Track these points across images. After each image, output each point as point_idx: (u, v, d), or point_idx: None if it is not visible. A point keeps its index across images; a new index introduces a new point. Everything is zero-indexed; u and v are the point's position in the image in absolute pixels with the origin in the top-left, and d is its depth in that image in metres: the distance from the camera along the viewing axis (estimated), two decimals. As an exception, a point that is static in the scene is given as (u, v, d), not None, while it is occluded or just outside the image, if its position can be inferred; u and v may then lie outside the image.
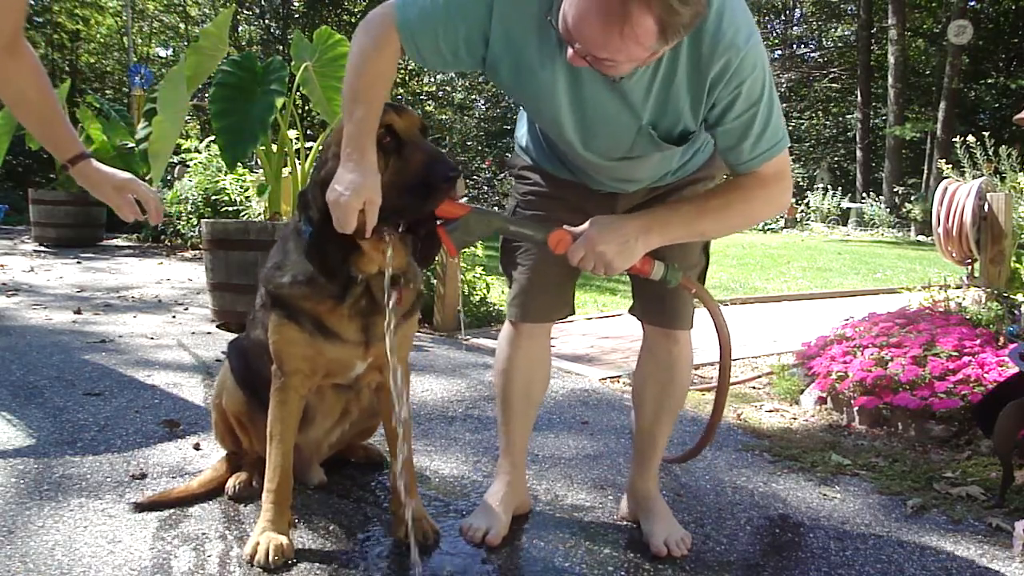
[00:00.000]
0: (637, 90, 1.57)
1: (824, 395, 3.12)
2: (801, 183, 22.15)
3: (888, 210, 17.82)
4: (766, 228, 16.75)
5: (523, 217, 1.90)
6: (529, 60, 1.56)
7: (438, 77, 23.91)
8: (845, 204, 18.36)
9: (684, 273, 1.74)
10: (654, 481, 2.01)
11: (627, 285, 2.24)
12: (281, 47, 16.49)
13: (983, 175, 4.51)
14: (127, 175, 1.93)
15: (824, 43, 28.26)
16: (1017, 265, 4.07)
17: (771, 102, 1.57)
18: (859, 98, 21.67)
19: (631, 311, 2.01)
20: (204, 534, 1.85)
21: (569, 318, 2.18)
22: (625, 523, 2.01)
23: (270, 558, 1.68)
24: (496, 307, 5.00)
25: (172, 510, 1.96)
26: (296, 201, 1.78)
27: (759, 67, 1.53)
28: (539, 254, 1.92)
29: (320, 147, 4.64)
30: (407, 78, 21.40)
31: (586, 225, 1.63)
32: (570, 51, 1.41)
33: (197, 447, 2.43)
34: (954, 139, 5.19)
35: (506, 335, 2.01)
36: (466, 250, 4.76)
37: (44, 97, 1.80)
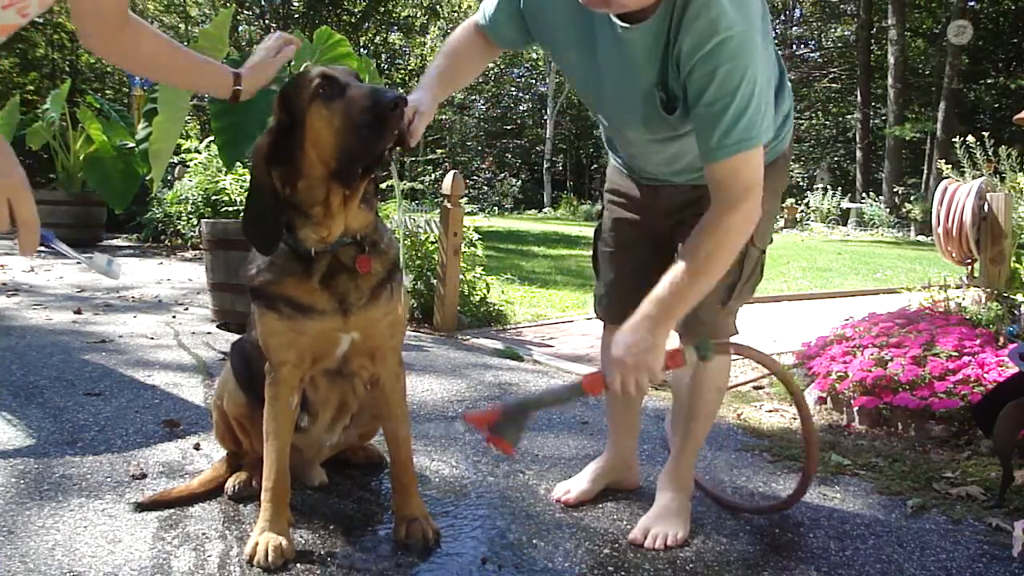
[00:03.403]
0: (640, 50, 1.66)
1: (824, 395, 3.12)
2: (801, 183, 22.15)
3: (888, 210, 17.83)
4: (766, 228, 16.72)
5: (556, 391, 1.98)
6: (562, 40, 1.79)
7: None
8: (845, 204, 18.37)
9: (713, 343, 1.75)
10: (672, 478, 2.02)
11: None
12: (281, 47, 16.48)
13: (983, 175, 4.50)
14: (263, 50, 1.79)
15: (824, 43, 28.27)
16: (1017, 265, 4.07)
17: (749, 98, 1.57)
18: (859, 98, 21.68)
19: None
20: (204, 534, 1.85)
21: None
22: (625, 524, 2.01)
23: (270, 558, 1.68)
24: (496, 307, 5.00)
25: (172, 510, 1.96)
26: None
27: (740, 59, 1.55)
28: (611, 258, 2.09)
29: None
30: (407, 78, 21.39)
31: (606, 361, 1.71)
32: None
33: (197, 447, 2.43)
34: (954, 139, 5.18)
35: (602, 331, 2.19)
36: (466, 250, 4.77)
37: (173, 52, 1.68)
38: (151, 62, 1.63)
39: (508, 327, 4.78)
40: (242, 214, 1.70)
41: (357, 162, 1.59)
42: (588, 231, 14.33)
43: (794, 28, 29.46)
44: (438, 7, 21.56)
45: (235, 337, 2.44)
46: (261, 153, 1.62)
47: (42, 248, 1.10)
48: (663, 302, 1.64)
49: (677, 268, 1.65)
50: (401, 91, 1.63)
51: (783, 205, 17.96)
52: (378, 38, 19.27)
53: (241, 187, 6.15)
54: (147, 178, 6.77)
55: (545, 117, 25.33)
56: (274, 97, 1.70)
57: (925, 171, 20.34)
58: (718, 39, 1.53)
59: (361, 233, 1.71)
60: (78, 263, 1.37)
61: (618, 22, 1.65)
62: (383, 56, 20.08)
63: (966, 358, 2.88)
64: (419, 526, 1.84)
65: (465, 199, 4.67)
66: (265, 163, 1.62)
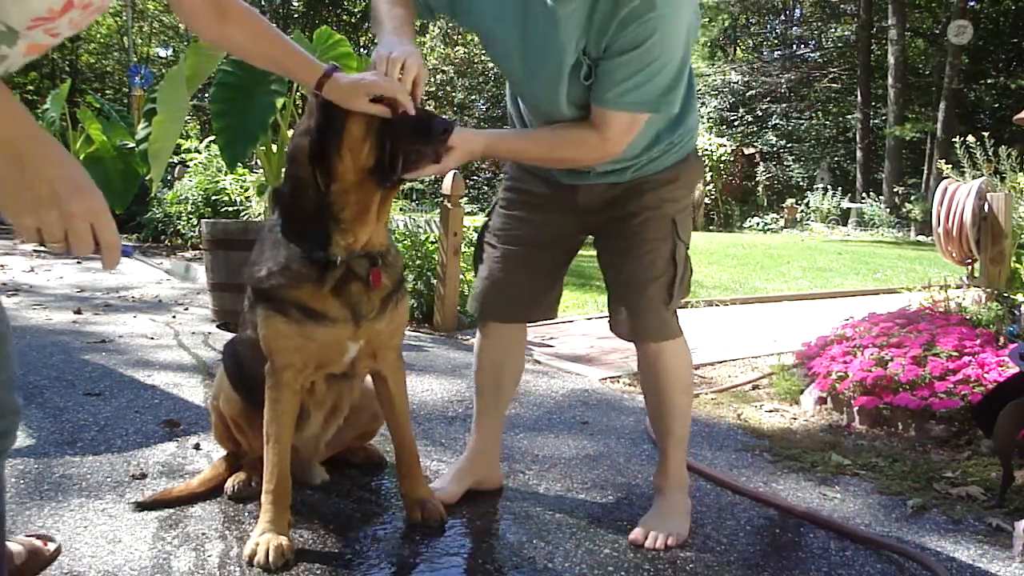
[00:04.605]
0: (571, 21, 1.66)
1: (824, 395, 3.12)
2: (801, 183, 22.14)
3: (888, 210, 17.82)
4: (766, 228, 16.74)
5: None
6: (488, 12, 1.75)
7: (438, 77, 23.90)
8: (845, 204, 18.35)
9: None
10: (665, 478, 2.03)
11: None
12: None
13: (983, 175, 4.51)
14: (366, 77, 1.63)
15: (824, 43, 28.24)
16: (1017, 265, 4.07)
17: (659, 70, 1.65)
18: (859, 98, 21.66)
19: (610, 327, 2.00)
20: (204, 534, 1.85)
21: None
22: (625, 523, 2.01)
23: (270, 559, 1.69)
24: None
25: (172, 510, 1.97)
26: (270, 198, 1.82)
27: (666, 35, 1.62)
28: (501, 258, 2.03)
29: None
30: (407, 78, 21.33)
31: None
32: None
33: (197, 447, 2.43)
34: (954, 139, 5.19)
35: (478, 330, 2.15)
36: (466, 250, 4.76)
37: (265, 46, 1.68)
38: (251, 54, 1.69)
39: (508, 327, 4.78)
40: (280, 215, 1.73)
41: (391, 173, 1.63)
42: (588, 231, 14.29)
43: (794, 28, 29.44)
44: (438, 7, 21.52)
45: (235, 337, 2.44)
46: (305, 152, 1.65)
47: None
48: (499, 138, 1.86)
49: (531, 134, 1.85)
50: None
51: (783, 205, 17.99)
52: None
53: (241, 187, 6.16)
54: (147, 178, 6.77)
55: (545, 117, 25.34)
56: (312, 99, 1.71)
57: (925, 171, 20.33)
58: (654, 14, 1.59)
59: (378, 249, 1.75)
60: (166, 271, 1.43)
61: None
62: (383, 56, 20.05)
63: (966, 358, 2.88)
64: (433, 507, 1.91)
65: (465, 199, 4.67)
66: (309, 161, 1.65)
